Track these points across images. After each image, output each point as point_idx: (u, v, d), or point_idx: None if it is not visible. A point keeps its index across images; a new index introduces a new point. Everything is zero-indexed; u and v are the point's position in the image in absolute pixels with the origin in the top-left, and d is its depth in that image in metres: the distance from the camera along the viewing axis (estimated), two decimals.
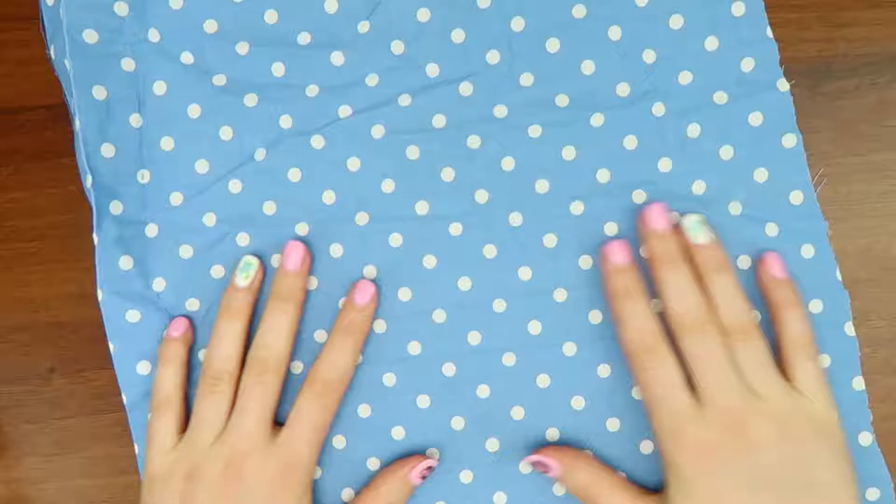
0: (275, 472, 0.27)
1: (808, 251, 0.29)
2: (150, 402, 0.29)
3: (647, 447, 0.29)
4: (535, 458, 0.28)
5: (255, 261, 0.29)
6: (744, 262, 0.29)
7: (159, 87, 0.29)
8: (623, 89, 0.29)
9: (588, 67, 0.29)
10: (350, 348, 0.28)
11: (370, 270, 0.29)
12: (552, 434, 0.29)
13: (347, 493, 0.30)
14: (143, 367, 0.29)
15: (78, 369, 0.31)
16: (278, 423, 0.28)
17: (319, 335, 0.30)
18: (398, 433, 0.29)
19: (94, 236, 0.29)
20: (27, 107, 0.30)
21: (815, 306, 0.29)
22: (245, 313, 0.29)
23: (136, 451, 0.29)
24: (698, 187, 0.29)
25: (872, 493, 0.29)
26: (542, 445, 0.29)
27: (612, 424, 0.29)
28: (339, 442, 0.30)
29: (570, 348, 0.29)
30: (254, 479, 0.27)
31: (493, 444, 0.29)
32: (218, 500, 0.26)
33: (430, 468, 0.29)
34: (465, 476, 0.29)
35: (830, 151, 0.30)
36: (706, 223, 0.28)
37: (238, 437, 0.27)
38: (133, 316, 0.29)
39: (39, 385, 0.31)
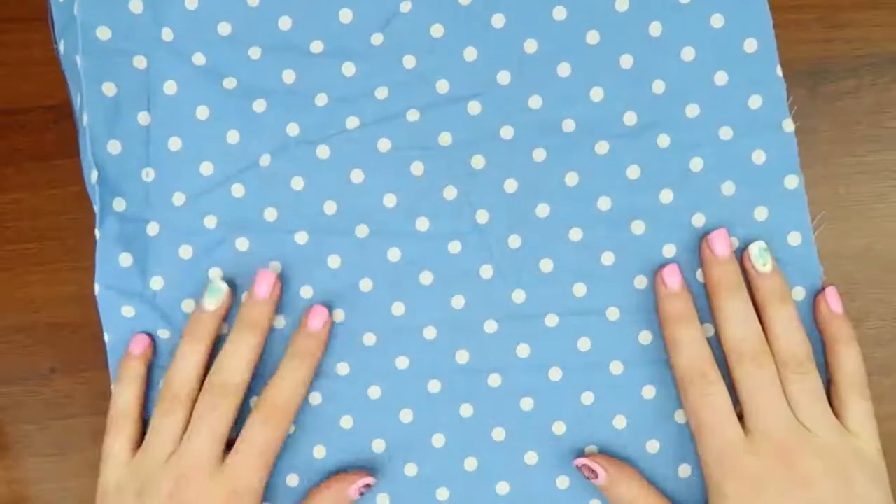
0: (219, 498, 0.27)
1: (798, 293, 0.29)
2: (107, 418, 0.29)
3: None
4: (584, 461, 0.28)
5: (224, 286, 0.29)
6: None
7: (169, 87, 0.29)
8: (630, 118, 0.29)
9: (597, 94, 0.29)
10: (301, 373, 0.28)
11: (366, 283, 0.30)
12: (530, 458, 0.30)
13: None
14: None
15: (78, 370, 0.31)
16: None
17: None
18: (379, 446, 0.30)
19: (97, 232, 0.29)
20: (27, 107, 0.30)
21: None
22: (209, 337, 0.29)
23: None
24: (698, 220, 0.29)
25: None
26: (520, 469, 0.29)
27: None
28: (319, 452, 0.30)
29: (555, 373, 0.29)
30: (196, 498, 0.27)
31: (471, 464, 0.30)
32: None
33: (367, 485, 0.29)
34: (441, 493, 0.30)
35: (829, 152, 0.30)
36: (769, 251, 0.28)
37: (187, 459, 0.27)
38: (128, 311, 0.30)
39: (39, 385, 0.31)
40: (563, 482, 0.29)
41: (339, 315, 0.30)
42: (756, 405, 0.26)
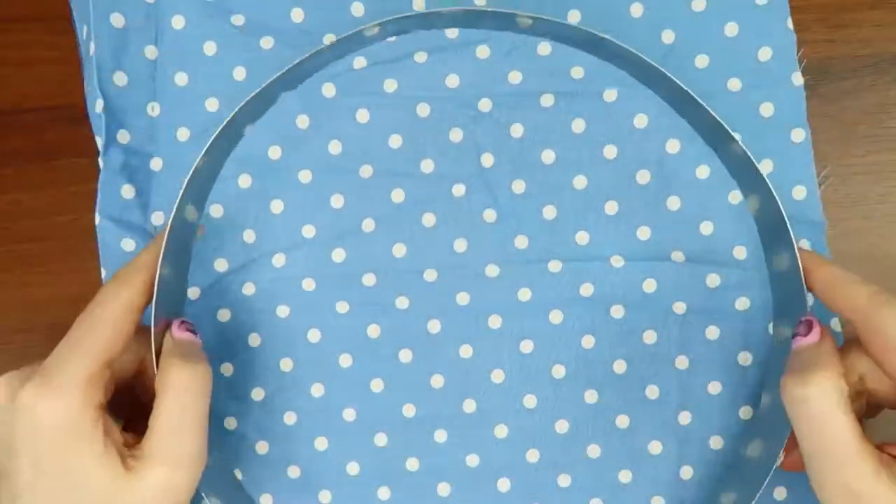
0: (36, 396, 0.23)
1: (803, 246, 0.29)
2: None
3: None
4: (810, 316, 0.25)
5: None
6: (739, 252, 0.29)
7: (177, 21, 0.29)
8: None
9: None
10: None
11: (368, 224, 0.30)
12: (529, 401, 0.30)
13: None
14: None
15: None
16: None
17: (307, 283, 0.30)
18: (377, 385, 0.30)
19: (100, 161, 0.29)
20: (27, 108, 0.30)
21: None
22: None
23: None
24: (702, 172, 0.29)
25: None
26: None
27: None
28: (317, 390, 0.30)
29: (556, 317, 0.29)
30: (16, 412, 0.23)
31: (469, 405, 0.30)
32: None
33: (183, 322, 0.26)
34: (439, 435, 0.30)
35: (830, 152, 0.30)
36: None
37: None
38: (128, 245, 0.30)
39: None
40: (561, 426, 0.30)
41: (340, 255, 0.30)
42: None
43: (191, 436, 0.25)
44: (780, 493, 0.29)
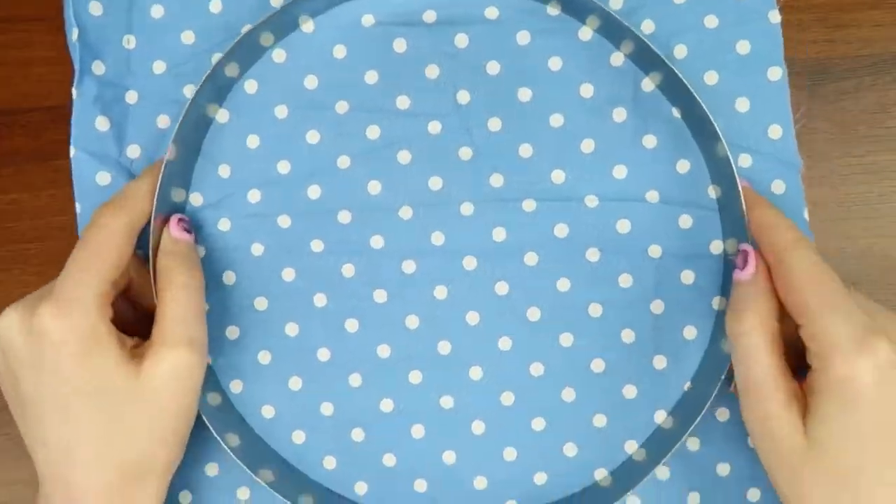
0: (48, 315, 0.25)
1: (778, 187, 0.29)
2: None
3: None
4: (747, 247, 0.26)
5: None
6: (713, 190, 0.29)
7: None
8: (616, 2, 0.29)
9: None
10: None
11: (344, 160, 0.29)
12: (504, 343, 0.30)
13: None
14: None
15: None
16: None
17: (282, 220, 0.30)
18: (352, 325, 0.30)
19: (73, 91, 0.29)
20: (27, 108, 0.30)
21: None
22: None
23: None
24: (678, 111, 0.29)
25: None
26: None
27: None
28: (291, 329, 0.30)
29: (531, 258, 0.29)
30: (32, 333, 0.25)
31: (444, 347, 0.29)
32: None
33: (181, 220, 0.28)
34: (414, 377, 0.29)
35: (829, 152, 0.30)
36: None
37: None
38: (103, 178, 0.29)
39: None
40: (536, 369, 0.29)
41: (316, 191, 0.30)
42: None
43: (197, 322, 0.27)
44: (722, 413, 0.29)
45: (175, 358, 0.26)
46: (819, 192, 0.29)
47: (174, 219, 0.28)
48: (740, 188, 0.27)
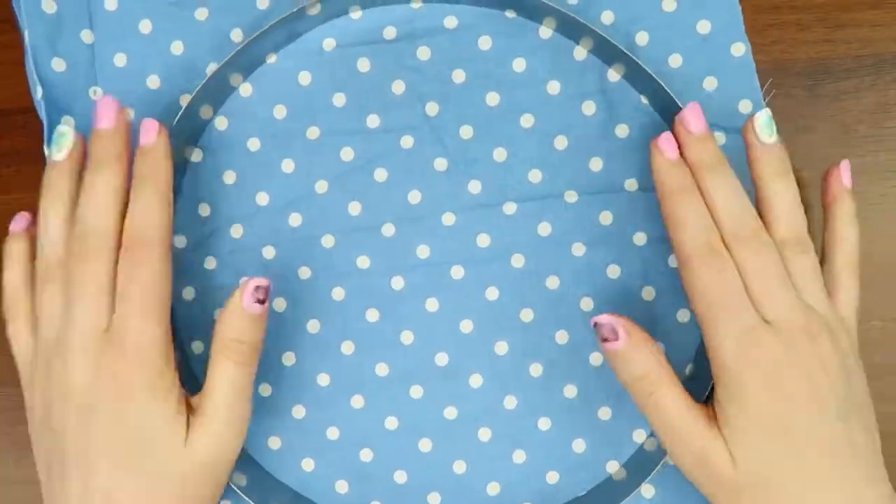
0: (114, 364, 0.25)
1: None
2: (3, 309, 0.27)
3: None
4: (608, 319, 0.26)
5: (67, 130, 0.26)
6: None
7: (110, 3, 0.29)
8: None
9: None
10: (151, 198, 0.25)
11: (322, 185, 0.29)
12: (500, 347, 0.30)
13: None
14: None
15: None
16: None
17: (267, 252, 0.30)
18: (348, 348, 0.30)
19: (45, 150, 0.29)
20: (27, 107, 0.30)
21: None
22: (67, 192, 0.26)
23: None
24: (644, 99, 0.29)
25: None
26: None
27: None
28: (288, 359, 0.30)
29: (518, 260, 0.29)
30: (99, 377, 0.25)
31: (441, 359, 0.30)
32: (73, 406, 0.25)
33: (260, 287, 0.26)
34: (415, 391, 0.30)
35: (829, 152, 0.30)
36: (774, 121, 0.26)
37: (72, 331, 0.25)
38: None
39: None
40: (536, 369, 0.29)
41: (297, 219, 0.30)
42: (764, 289, 0.24)
43: (243, 401, 0.27)
44: None
45: (216, 433, 0.26)
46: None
47: (251, 285, 0.26)
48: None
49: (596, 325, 0.26)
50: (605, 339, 0.26)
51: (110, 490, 0.24)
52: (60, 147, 0.26)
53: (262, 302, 0.26)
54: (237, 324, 0.26)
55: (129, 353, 0.25)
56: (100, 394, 0.24)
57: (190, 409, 0.26)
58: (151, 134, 0.26)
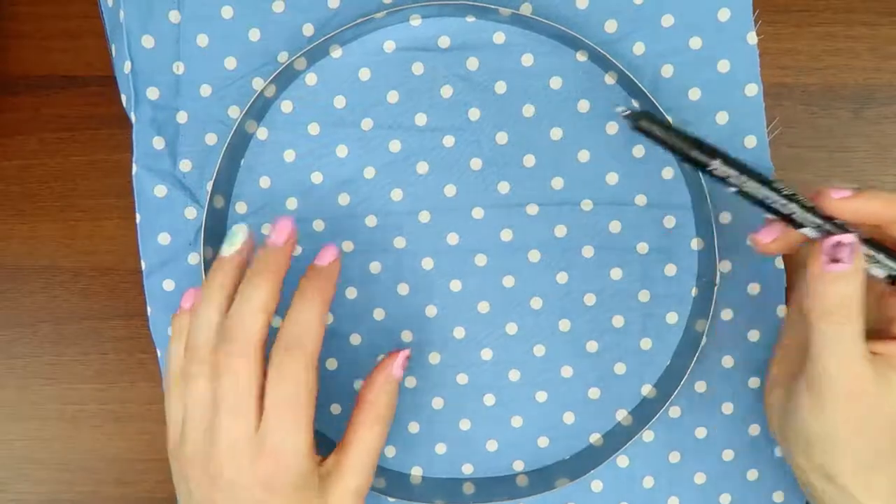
0: (257, 472, 0.26)
1: None
2: (164, 380, 0.29)
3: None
4: (850, 239, 0.25)
5: (242, 230, 0.28)
6: (689, 196, 0.33)
7: None
8: (610, 26, 0.32)
9: (582, 2, 0.32)
10: (314, 308, 0.27)
11: (370, 171, 0.33)
12: (511, 328, 0.34)
13: None
14: (163, 238, 0.34)
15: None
16: None
17: (317, 224, 0.34)
18: (379, 314, 0.34)
19: (132, 116, 0.33)
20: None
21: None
22: (231, 281, 0.27)
23: (149, 312, 0.34)
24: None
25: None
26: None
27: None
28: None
29: (534, 255, 0.33)
30: (235, 480, 0.26)
31: (459, 332, 0.34)
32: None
33: (407, 357, 0.29)
34: (433, 357, 0.34)
35: (865, 170, 0.33)
36: None
37: (220, 437, 0.26)
38: (160, 191, 0.34)
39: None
40: (539, 350, 0.34)
41: (345, 199, 0.34)
42: None
43: (376, 461, 0.29)
44: (699, 386, 0.33)
45: (353, 484, 0.28)
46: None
47: (402, 355, 0.29)
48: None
49: (839, 244, 0.26)
50: (835, 260, 0.26)
51: None
52: (233, 244, 0.28)
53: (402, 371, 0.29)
54: (384, 379, 0.29)
55: (276, 459, 0.26)
56: (246, 488, 0.26)
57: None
58: (332, 252, 0.28)
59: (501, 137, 0.33)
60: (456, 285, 0.34)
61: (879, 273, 0.27)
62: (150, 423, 0.35)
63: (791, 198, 0.26)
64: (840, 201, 0.26)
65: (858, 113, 0.32)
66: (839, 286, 0.25)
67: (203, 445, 0.26)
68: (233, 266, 0.28)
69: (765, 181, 0.26)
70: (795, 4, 0.33)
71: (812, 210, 0.26)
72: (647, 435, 0.34)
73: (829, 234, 0.26)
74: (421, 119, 0.33)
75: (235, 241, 0.28)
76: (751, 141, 0.32)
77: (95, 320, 0.35)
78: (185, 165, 0.34)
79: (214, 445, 0.26)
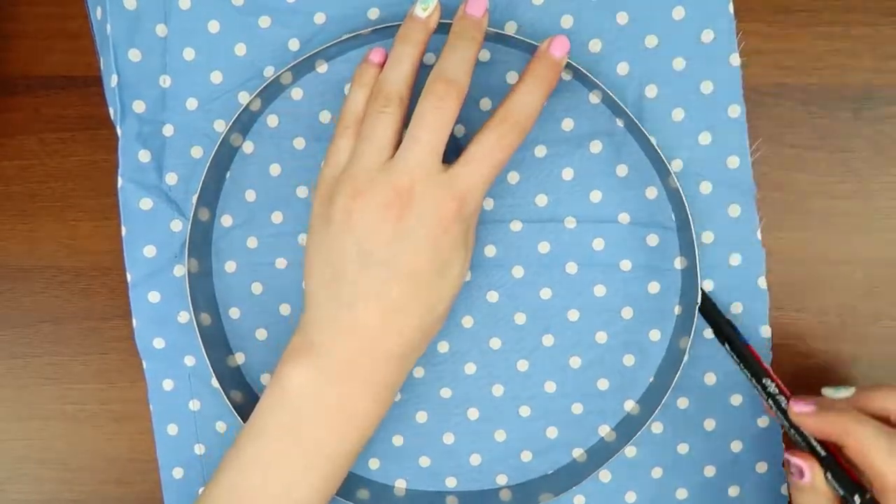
0: (445, 201, 0.27)
1: (734, 210, 0.33)
2: (336, 125, 0.30)
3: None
4: (797, 461, 0.29)
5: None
6: (673, 215, 0.33)
7: (184, 3, 0.33)
8: (595, 45, 0.32)
9: (566, 21, 0.32)
10: (538, 90, 0.28)
11: None
12: (494, 343, 0.34)
13: None
14: (149, 251, 0.34)
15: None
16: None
17: (301, 239, 0.34)
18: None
19: (118, 129, 0.33)
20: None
21: (735, 259, 0.33)
22: (421, 43, 0.29)
23: (134, 324, 0.34)
24: (640, 148, 0.33)
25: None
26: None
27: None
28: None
29: (518, 271, 0.34)
30: (423, 206, 0.27)
31: (443, 346, 0.34)
32: (382, 223, 0.27)
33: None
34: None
35: (863, 169, 0.33)
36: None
37: (408, 164, 0.27)
38: (146, 204, 0.34)
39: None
40: (522, 364, 0.34)
41: None
42: None
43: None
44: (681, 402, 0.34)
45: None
46: (851, 204, 0.33)
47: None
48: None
49: (786, 463, 0.30)
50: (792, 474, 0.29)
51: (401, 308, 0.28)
52: (426, 7, 0.29)
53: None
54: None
55: (459, 199, 0.28)
56: (421, 217, 0.27)
57: None
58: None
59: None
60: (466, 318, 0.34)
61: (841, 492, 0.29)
62: (150, 422, 0.35)
63: (775, 399, 0.30)
64: (800, 417, 0.29)
65: (858, 113, 0.32)
66: (801, 497, 0.29)
67: (381, 173, 0.27)
68: (423, 28, 0.29)
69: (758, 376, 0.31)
70: (795, 4, 0.33)
71: (785, 414, 0.30)
72: (630, 451, 0.34)
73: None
74: None
75: (428, 5, 0.29)
76: (733, 161, 0.33)
77: (96, 320, 0.35)
78: (171, 178, 0.34)
79: (402, 171, 0.27)
